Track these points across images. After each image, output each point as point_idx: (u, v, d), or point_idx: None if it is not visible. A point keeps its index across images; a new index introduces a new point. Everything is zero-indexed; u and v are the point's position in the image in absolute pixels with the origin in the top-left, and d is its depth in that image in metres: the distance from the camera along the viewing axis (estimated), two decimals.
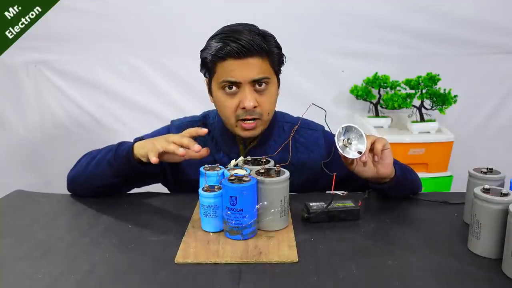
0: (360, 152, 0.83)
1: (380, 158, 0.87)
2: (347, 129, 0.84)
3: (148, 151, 0.89)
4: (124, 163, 0.94)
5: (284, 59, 1.01)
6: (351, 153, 0.84)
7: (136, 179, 1.01)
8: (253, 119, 0.96)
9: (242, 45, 0.91)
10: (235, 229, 0.77)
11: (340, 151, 0.82)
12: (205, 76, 1.02)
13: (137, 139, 0.98)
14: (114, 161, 0.95)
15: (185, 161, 1.05)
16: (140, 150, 0.92)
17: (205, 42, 0.99)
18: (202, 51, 0.98)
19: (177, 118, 1.13)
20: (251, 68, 0.93)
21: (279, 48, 0.99)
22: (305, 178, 1.05)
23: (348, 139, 0.84)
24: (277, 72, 1.01)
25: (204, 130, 0.91)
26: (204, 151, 0.89)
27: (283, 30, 1.03)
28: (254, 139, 1.04)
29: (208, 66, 0.97)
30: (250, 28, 0.95)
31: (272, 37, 0.98)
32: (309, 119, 1.08)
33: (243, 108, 0.95)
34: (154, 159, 0.86)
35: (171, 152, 0.87)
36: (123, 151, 0.94)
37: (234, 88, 0.95)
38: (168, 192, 1.12)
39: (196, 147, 0.87)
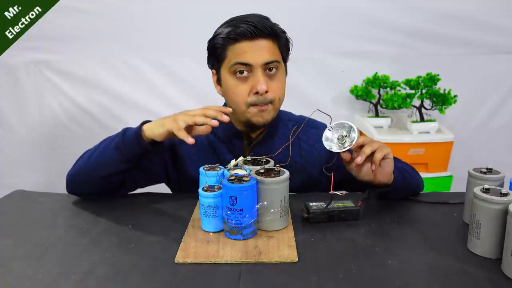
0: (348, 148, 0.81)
1: (378, 167, 0.85)
2: (349, 126, 0.82)
3: (171, 128, 0.85)
4: (133, 145, 0.91)
5: (291, 46, 1.02)
6: (335, 147, 0.82)
7: (140, 177, 1.01)
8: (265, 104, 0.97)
9: (254, 26, 0.93)
10: (235, 229, 0.77)
11: (324, 141, 0.83)
12: (212, 68, 1.02)
13: (145, 122, 0.94)
14: (123, 144, 0.92)
15: (188, 158, 1.04)
16: (155, 129, 0.89)
17: (206, 41, 0.99)
18: (210, 39, 0.99)
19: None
20: (262, 50, 0.94)
21: (285, 34, 1.01)
22: (319, 169, 0.99)
23: (345, 135, 0.82)
24: (285, 59, 1.02)
25: (226, 114, 0.87)
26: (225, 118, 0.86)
27: None
28: (260, 134, 1.04)
29: (218, 52, 0.97)
30: (259, 14, 0.97)
31: (278, 25, 0.99)
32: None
33: (256, 93, 0.94)
34: (190, 140, 0.82)
35: (199, 123, 0.84)
36: (132, 133, 0.92)
37: (245, 72, 0.95)
38: (168, 192, 1.12)
39: (225, 117, 0.85)
